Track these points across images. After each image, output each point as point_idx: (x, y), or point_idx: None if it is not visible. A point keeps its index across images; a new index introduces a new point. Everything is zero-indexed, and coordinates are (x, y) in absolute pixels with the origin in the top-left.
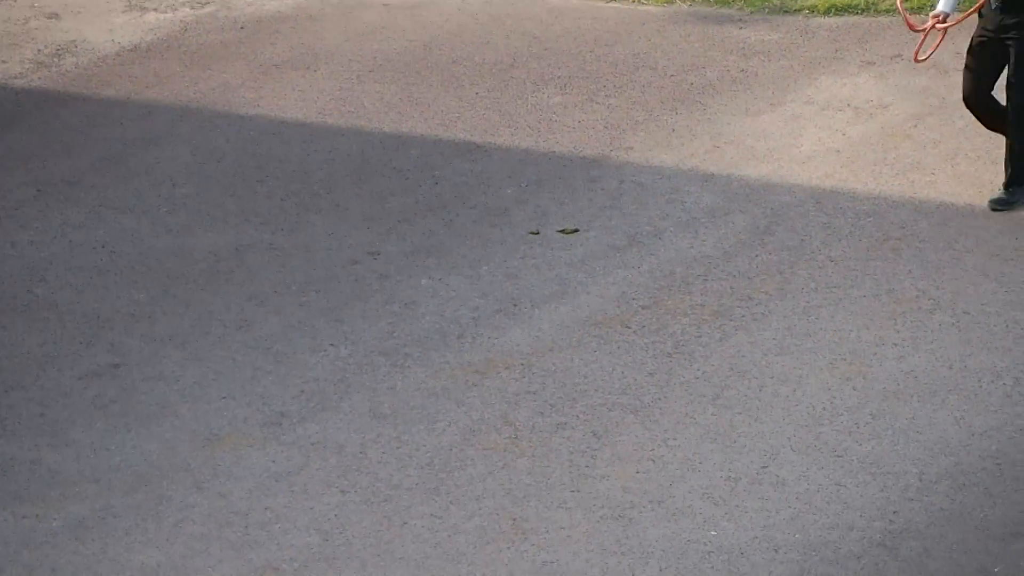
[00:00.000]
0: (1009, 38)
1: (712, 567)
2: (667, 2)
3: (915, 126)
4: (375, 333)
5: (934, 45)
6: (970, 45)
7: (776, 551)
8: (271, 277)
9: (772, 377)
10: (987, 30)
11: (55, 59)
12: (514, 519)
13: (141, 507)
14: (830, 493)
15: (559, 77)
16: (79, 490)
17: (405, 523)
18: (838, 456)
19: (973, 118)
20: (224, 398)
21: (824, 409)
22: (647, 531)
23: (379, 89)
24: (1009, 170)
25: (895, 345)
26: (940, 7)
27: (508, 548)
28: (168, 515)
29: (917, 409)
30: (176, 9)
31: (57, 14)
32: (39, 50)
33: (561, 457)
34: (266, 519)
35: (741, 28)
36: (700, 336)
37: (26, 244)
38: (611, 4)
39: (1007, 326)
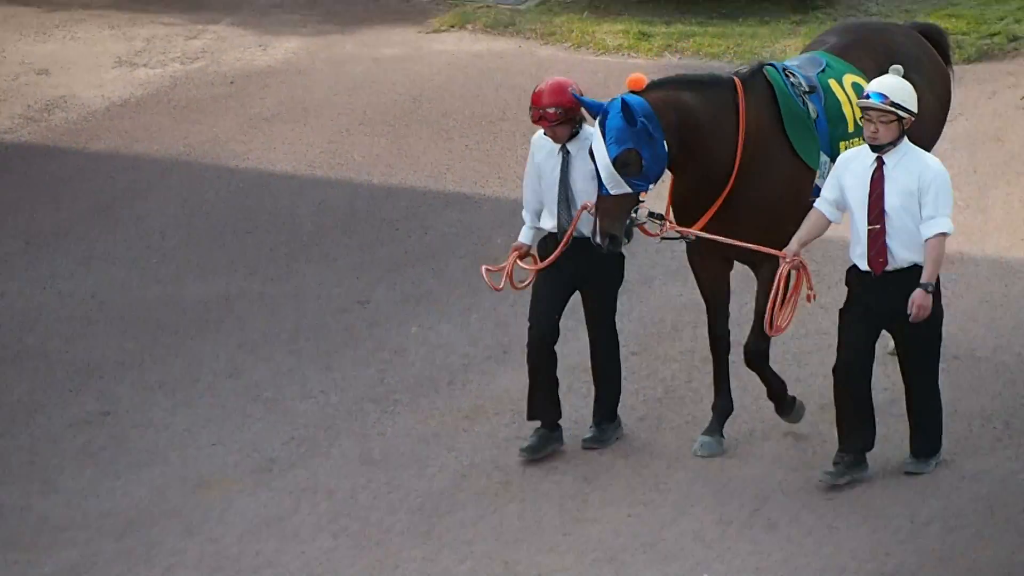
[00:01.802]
0: (586, 280)
1: None
2: (656, 55)
3: None
4: (365, 380)
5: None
6: (536, 282)
7: None
8: (260, 325)
9: (762, 421)
10: (560, 268)
11: (44, 114)
12: (506, 562)
13: (132, 553)
14: (821, 536)
15: None
16: (70, 536)
17: (397, 567)
18: (829, 499)
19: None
20: (214, 444)
21: (814, 452)
22: (639, 574)
23: (368, 141)
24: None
25: (885, 389)
26: (521, 238)
27: None
28: (159, 560)
29: (908, 452)
30: (166, 64)
31: (47, 70)
32: (28, 105)
33: (552, 501)
34: (257, 564)
35: None
36: (690, 381)
37: (15, 294)
38: (600, 57)
39: (996, 370)
